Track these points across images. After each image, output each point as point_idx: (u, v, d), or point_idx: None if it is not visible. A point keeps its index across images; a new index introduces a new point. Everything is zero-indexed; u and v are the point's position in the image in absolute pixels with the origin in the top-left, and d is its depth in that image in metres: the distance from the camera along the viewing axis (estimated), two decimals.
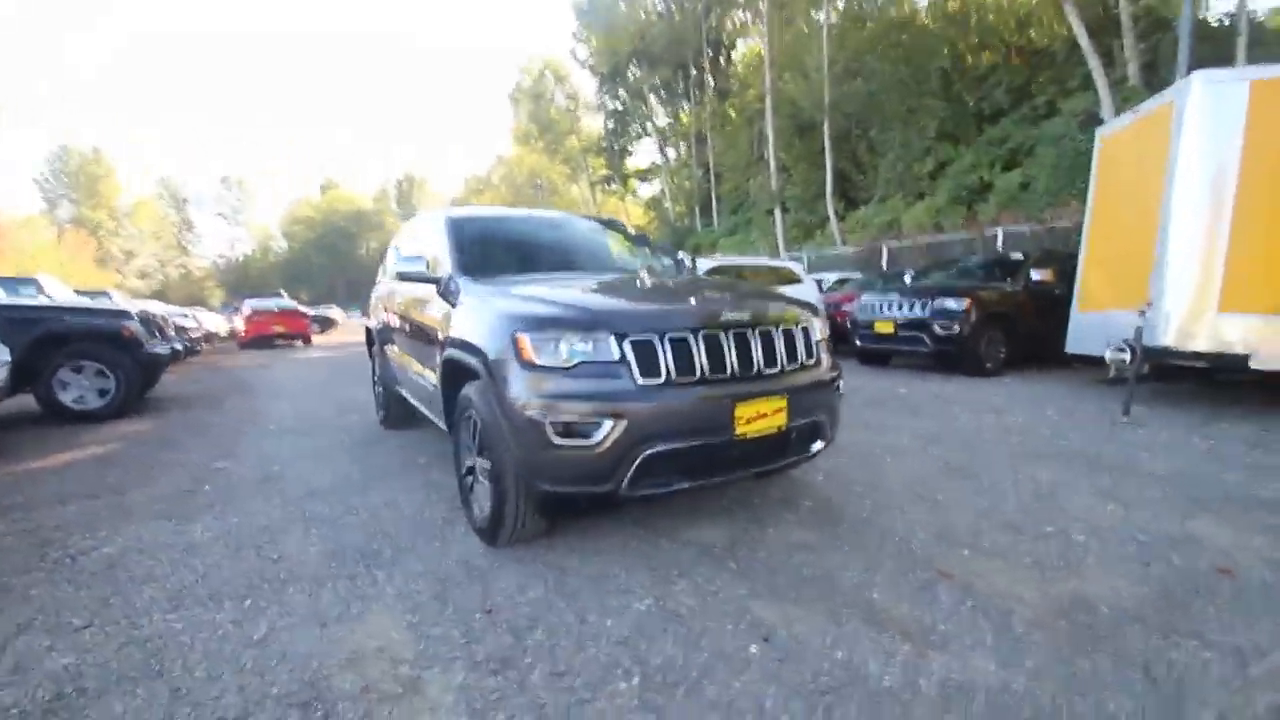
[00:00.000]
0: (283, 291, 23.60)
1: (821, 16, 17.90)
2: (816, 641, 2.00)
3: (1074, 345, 6.44)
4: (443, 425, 3.36)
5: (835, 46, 17.51)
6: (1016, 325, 7.60)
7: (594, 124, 36.24)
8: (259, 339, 16.57)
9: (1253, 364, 4.62)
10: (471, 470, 2.87)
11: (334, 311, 32.72)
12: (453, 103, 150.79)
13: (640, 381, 2.34)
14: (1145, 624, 2.11)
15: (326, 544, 2.83)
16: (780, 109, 20.24)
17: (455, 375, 2.94)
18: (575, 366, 2.32)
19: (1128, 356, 4.67)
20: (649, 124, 32.37)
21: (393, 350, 4.44)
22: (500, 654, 1.96)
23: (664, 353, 2.38)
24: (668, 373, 2.37)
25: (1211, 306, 4.74)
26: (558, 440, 2.29)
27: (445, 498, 3.40)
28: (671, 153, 32.20)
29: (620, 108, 32.86)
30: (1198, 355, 4.80)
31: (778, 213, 20.46)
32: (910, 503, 3.20)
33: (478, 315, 2.74)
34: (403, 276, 3.41)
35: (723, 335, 2.50)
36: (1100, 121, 12.73)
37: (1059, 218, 11.58)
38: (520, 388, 2.36)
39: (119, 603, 2.35)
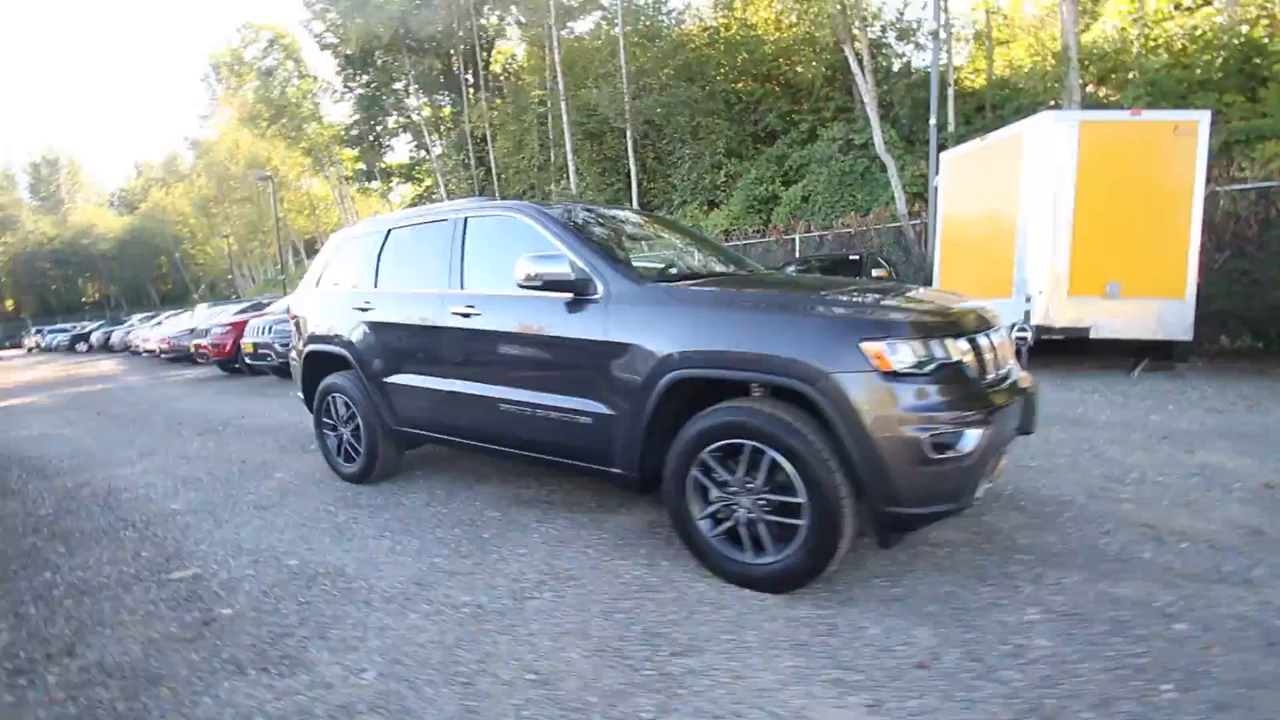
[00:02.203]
0: None
1: (617, 29, 18.51)
2: (1221, 610, 2.13)
3: None
4: (607, 467, 2.74)
5: (628, 58, 18.30)
6: None
7: (341, 111, 32.04)
8: None
9: (1092, 334, 6.19)
10: (714, 515, 2.41)
11: None
12: (115, 80, 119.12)
13: (984, 381, 2.24)
14: None
15: (578, 644, 2.11)
16: (569, 114, 20.43)
17: (686, 400, 2.45)
18: (934, 371, 2.12)
19: (1030, 335, 5.88)
20: (411, 115, 29.76)
21: (420, 382, 3.42)
22: (1036, 711, 1.70)
23: (982, 352, 2.31)
24: (986, 372, 2.31)
25: (1064, 291, 6.21)
26: (935, 456, 2.06)
27: (616, 553, 2.78)
28: (436, 149, 30.05)
29: (367, 93, 29.49)
30: (1059, 330, 6.25)
31: None
32: (1026, 471, 3.59)
33: (753, 323, 2.31)
34: (547, 284, 2.67)
35: (993, 333, 2.51)
36: (858, 147, 15.56)
37: (844, 225, 13.85)
38: (885, 402, 2.06)
39: None
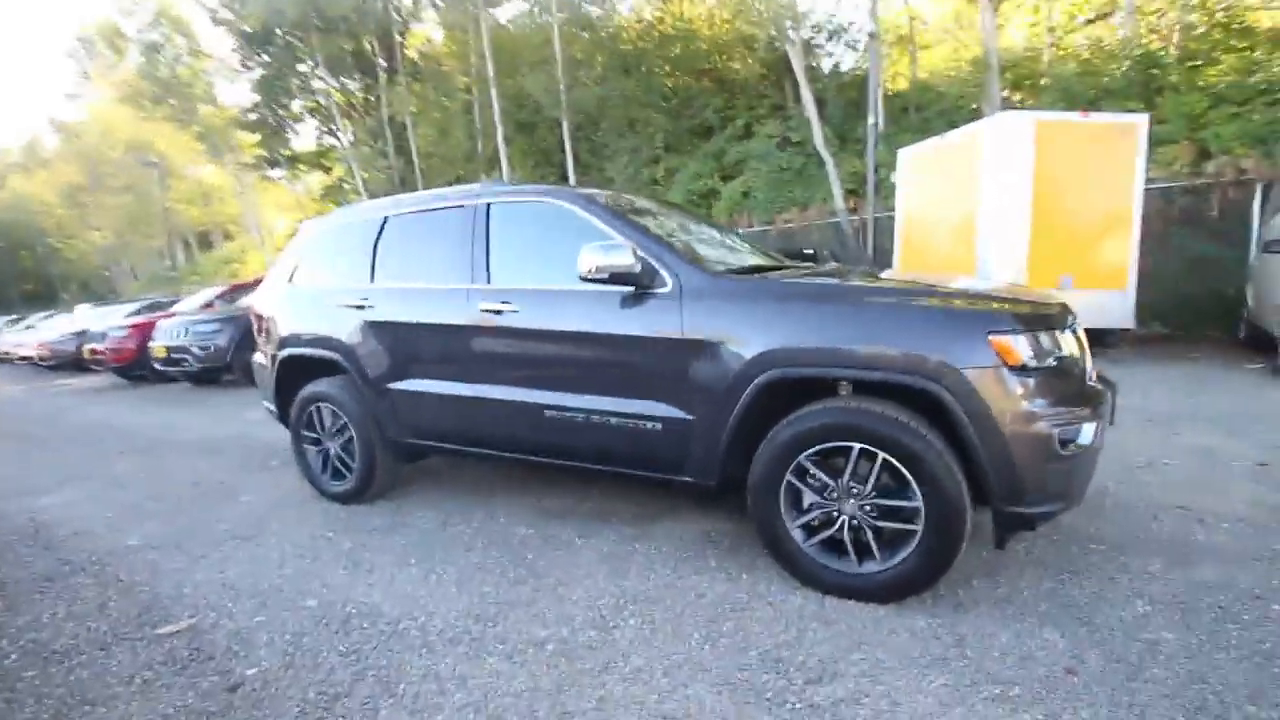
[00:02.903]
0: None
1: (549, 17, 17.95)
2: None
3: None
4: (675, 476, 2.53)
5: (563, 47, 17.81)
6: None
7: (240, 92, 29.29)
8: None
9: None
10: (820, 522, 2.26)
11: None
12: None
13: (1086, 374, 2.20)
14: None
15: (698, 678, 1.89)
16: (500, 103, 19.68)
17: (778, 400, 2.28)
18: (1055, 365, 2.06)
19: None
20: (319, 99, 27.68)
21: (438, 388, 3.04)
22: (1203, 710, 1.66)
23: (1081, 344, 2.28)
24: (1085, 365, 2.28)
25: (1024, 284, 6.51)
26: (1062, 452, 2.00)
27: (685, 567, 2.57)
28: (346, 137, 28.02)
29: (268, 73, 27.13)
30: None
31: None
32: None
33: (866, 317, 2.16)
34: (615, 277, 2.40)
35: (1079, 326, 2.49)
36: (794, 144, 15.91)
37: (786, 221, 14.14)
38: (1015, 398, 1.98)
39: None
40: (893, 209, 12.91)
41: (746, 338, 2.28)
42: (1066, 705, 1.68)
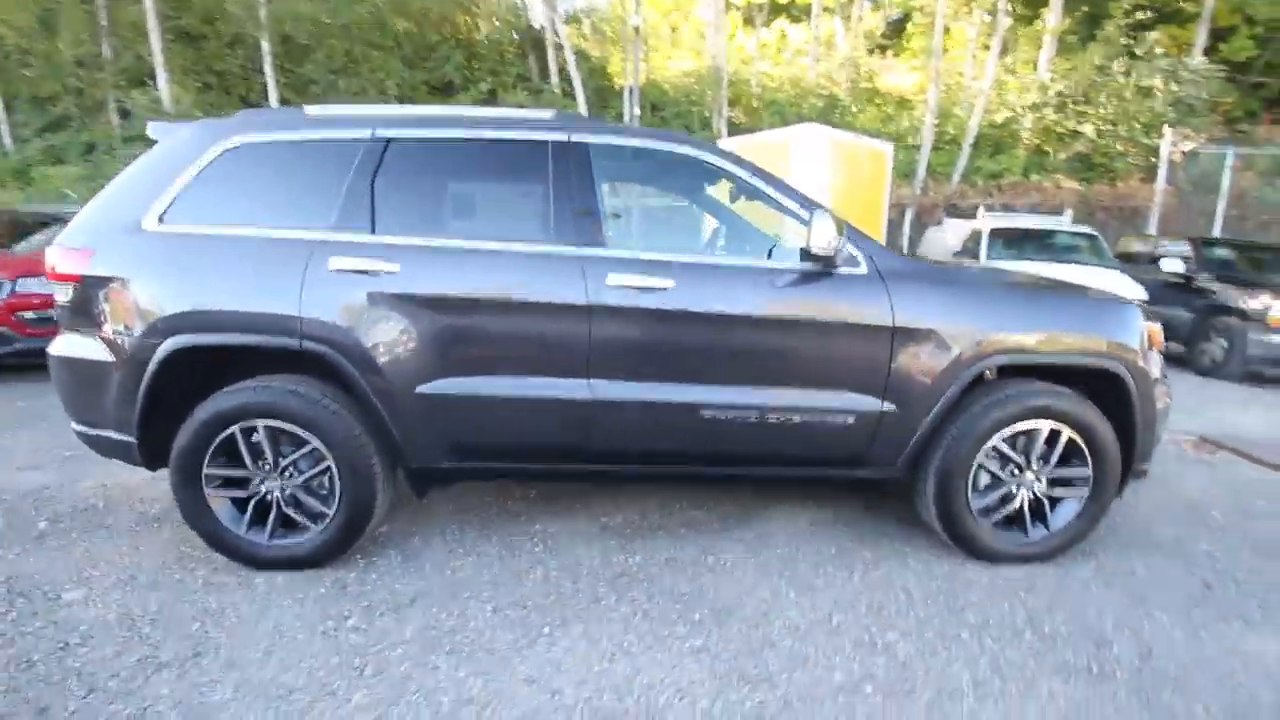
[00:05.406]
0: None
1: None
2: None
3: None
4: (852, 470, 2.40)
5: None
6: None
7: None
8: None
9: None
10: (994, 500, 2.40)
11: None
12: None
13: None
14: None
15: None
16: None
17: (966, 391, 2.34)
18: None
19: None
20: None
21: (524, 390, 2.19)
22: None
23: None
24: None
25: None
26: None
27: (867, 567, 2.43)
28: None
29: None
30: None
31: None
32: None
33: (1072, 306, 2.44)
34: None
35: None
36: None
37: None
38: (1157, 374, 2.43)
39: None
40: None
41: (961, 325, 2.26)
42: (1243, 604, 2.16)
